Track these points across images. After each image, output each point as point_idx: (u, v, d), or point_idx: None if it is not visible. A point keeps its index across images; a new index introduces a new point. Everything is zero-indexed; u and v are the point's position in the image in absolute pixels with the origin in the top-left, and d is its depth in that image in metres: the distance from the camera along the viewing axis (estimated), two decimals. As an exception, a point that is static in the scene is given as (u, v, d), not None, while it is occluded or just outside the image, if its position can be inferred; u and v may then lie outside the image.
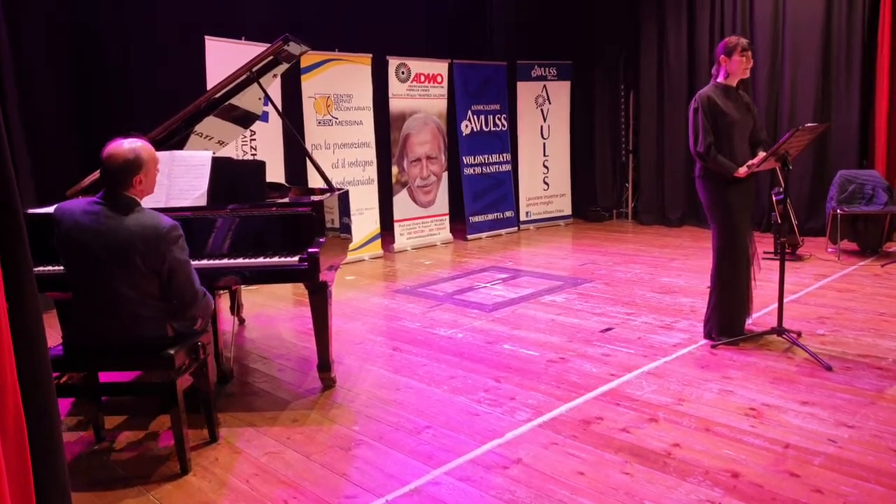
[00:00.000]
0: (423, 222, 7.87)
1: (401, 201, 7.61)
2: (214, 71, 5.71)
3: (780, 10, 7.59)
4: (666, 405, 3.19)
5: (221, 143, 4.49)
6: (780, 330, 3.91)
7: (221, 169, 3.51)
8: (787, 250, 6.22)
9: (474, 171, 8.36)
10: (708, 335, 4.08)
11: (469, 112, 8.27)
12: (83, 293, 2.66)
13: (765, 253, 6.62)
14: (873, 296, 5.00)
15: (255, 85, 3.92)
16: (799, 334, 4.02)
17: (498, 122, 8.62)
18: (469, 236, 8.22)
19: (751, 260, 4.02)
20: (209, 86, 5.65)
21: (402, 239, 7.65)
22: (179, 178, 3.45)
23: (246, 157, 6.20)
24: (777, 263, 4.01)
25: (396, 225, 7.59)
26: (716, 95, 3.89)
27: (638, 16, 8.89)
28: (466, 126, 8.26)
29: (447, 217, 8.13)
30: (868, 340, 4.00)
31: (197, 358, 2.74)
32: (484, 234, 8.38)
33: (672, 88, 8.55)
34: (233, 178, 3.56)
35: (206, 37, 5.86)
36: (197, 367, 2.78)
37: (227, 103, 4.01)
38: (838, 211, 6.32)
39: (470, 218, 8.27)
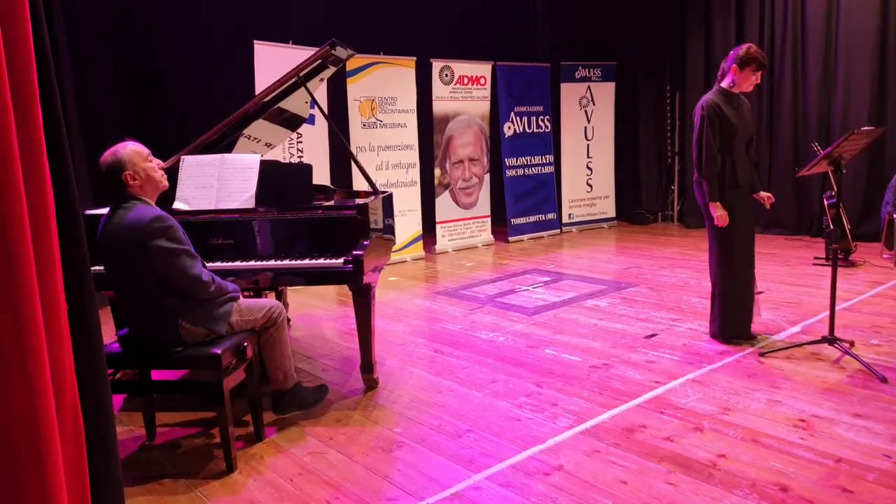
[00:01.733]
0: (465, 224, 7.88)
1: (443, 203, 7.64)
2: (263, 74, 5.84)
3: (833, 7, 7.35)
4: (711, 414, 3.13)
5: (269, 145, 4.59)
6: (831, 339, 3.79)
7: (269, 172, 3.59)
8: (839, 256, 6.04)
9: (517, 172, 8.34)
10: (714, 336, 4.19)
11: (512, 114, 8.25)
12: (115, 294, 2.81)
13: (816, 258, 6.44)
14: (932, 305, 4.81)
15: (303, 89, 3.99)
16: (852, 343, 3.89)
17: (541, 123, 8.57)
18: (510, 238, 8.19)
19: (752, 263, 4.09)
20: (258, 89, 5.78)
21: (443, 240, 7.68)
22: (229, 181, 3.54)
23: (293, 160, 6.32)
24: (829, 270, 3.89)
25: (438, 226, 7.63)
26: (721, 102, 3.88)
27: (684, 14, 8.72)
28: (509, 128, 8.24)
29: (489, 219, 8.13)
30: (926, 352, 3.86)
31: (244, 358, 2.81)
32: (525, 237, 8.35)
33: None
34: (280, 180, 3.63)
35: (255, 41, 5.99)
36: (244, 366, 2.84)
37: (275, 107, 4.09)
38: (895, 216, 6.09)
39: (511, 220, 8.25)
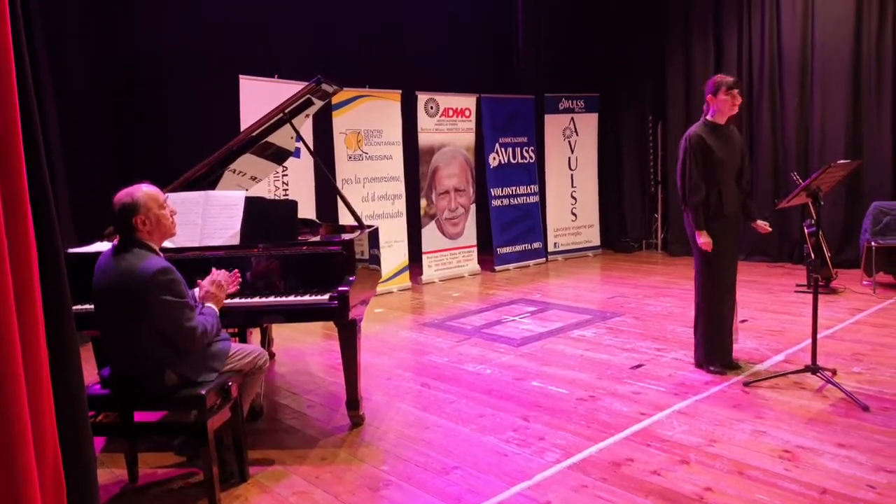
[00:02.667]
0: (452, 254, 7.91)
1: (429, 233, 7.68)
2: (248, 108, 5.88)
3: (808, 38, 7.57)
4: (697, 446, 3.14)
5: (255, 178, 4.60)
6: (814, 368, 3.83)
7: (254, 208, 3.60)
8: (820, 283, 6.12)
9: (502, 202, 8.40)
10: (698, 364, 4.24)
11: (497, 144, 8.35)
12: (102, 336, 2.77)
13: (797, 286, 6.52)
14: (912, 331, 4.87)
15: (289, 125, 4.02)
16: (834, 372, 3.93)
17: (525, 154, 8.67)
18: (497, 268, 8.23)
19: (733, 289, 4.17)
20: (243, 123, 5.82)
21: (430, 271, 7.69)
22: (214, 219, 3.55)
23: (278, 193, 6.34)
24: (811, 297, 3.94)
25: (425, 257, 7.65)
26: (704, 134, 3.98)
27: (664, 46, 8.93)
28: (494, 158, 8.33)
29: (475, 248, 8.16)
30: (907, 379, 3.90)
31: (228, 397, 2.79)
32: (512, 266, 8.39)
33: (698, 114, 8.51)
34: (265, 217, 3.64)
35: (240, 76, 6.05)
36: (228, 406, 2.82)
37: (261, 141, 4.12)
38: (873, 243, 6.20)
39: (498, 249, 8.30)
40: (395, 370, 4.51)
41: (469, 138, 8.07)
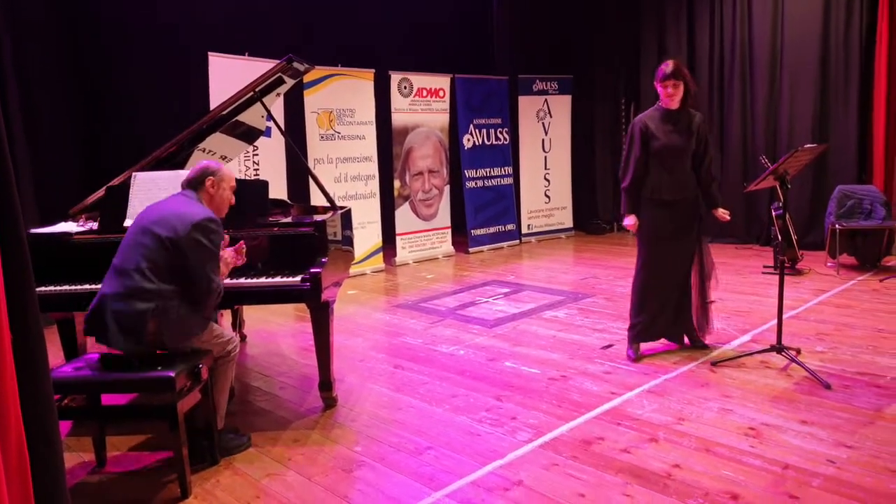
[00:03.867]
0: (425, 235, 7.90)
1: (403, 215, 7.65)
2: (218, 87, 5.77)
3: (778, 27, 7.65)
4: (666, 424, 3.20)
5: (225, 158, 4.53)
6: (779, 347, 3.92)
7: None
8: (786, 265, 6.25)
9: (476, 184, 8.39)
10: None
11: (471, 126, 8.32)
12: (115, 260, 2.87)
13: (765, 267, 6.65)
14: (872, 311, 5.01)
15: (259, 103, 3.95)
16: (798, 351, 4.02)
17: (500, 135, 8.66)
18: (471, 249, 8.24)
19: (709, 274, 4.15)
20: (213, 101, 5.71)
21: (403, 252, 7.68)
22: (183, 198, 3.47)
23: (249, 172, 6.25)
24: (777, 278, 4.02)
25: (398, 238, 7.62)
26: (652, 119, 3.97)
27: (638, 29, 8.95)
28: (468, 140, 8.30)
29: (449, 230, 8.16)
30: (866, 357, 4.01)
31: (198, 380, 2.76)
32: (486, 247, 8.41)
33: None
34: (236, 197, 3.57)
35: (210, 53, 5.92)
36: (199, 388, 2.79)
37: (231, 120, 4.05)
38: (837, 226, 6.34)
39: (472, 231, 8.30)
40: (368, 352, 4.51)
41: (443, 119, 8.03)
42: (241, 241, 3.14)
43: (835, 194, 6.64)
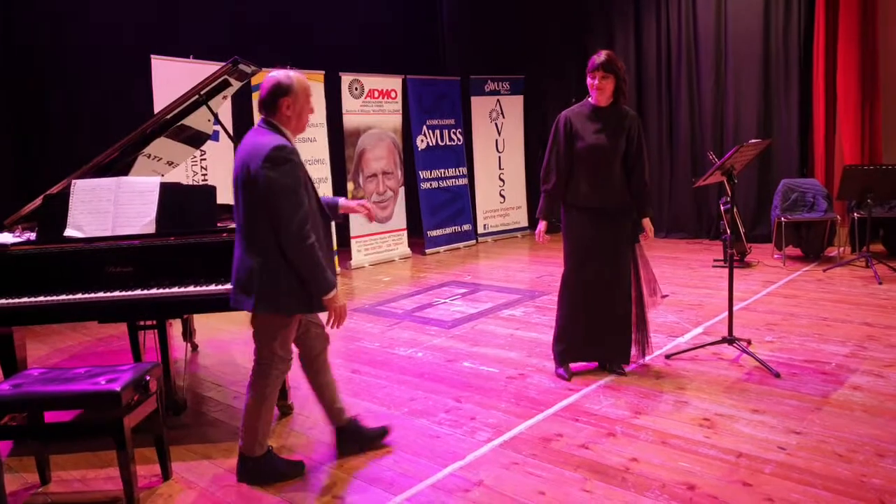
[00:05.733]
0: (381, 238, 7.85)
1: (357, 217, 7.56)
2: (162, 90, 5.62)
3: (721, 26, 7.87)
4: (623, 419, 3.24)
5: (171, 163, 4.41)
6: (730, 339, 4.00)
7: (170, 195, 3.45)
8: (735, 258, 6.41)
9: (431, 185, 8.38)
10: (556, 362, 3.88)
11: (424, 127, 8.30)
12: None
13: (715, 261, 6.81)
14: (817, 301, 5.17)
15: (205, 107, 3.86)
16: (749, 342, 4.12)
17: (453, 136, 8.66)
18: (427, 250, 8.22)
19: (648, 287, 3.79)
20: (157, 105, 5.55)
21: (359, 255, 7.61)
22: (127, 206, 3.37)
23: (196, 177, 6.10)
24: (727, 271, 4.11)
25: (353, 241, 7.55)
26: (577, 116, 3.61)
27: (587, 28, 9.08)
28: (422, 141, 8.28)
29: (405, 232, 8.12)
30: (813, 345, 4.14)
31: (147, 392, 2.66)
32: (442, 248, 8.40)
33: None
34: (182, 204, 3.48)
35: (152, 56, 5.75)
36: (147, 402, 2.69)
37: (177, 124, 3.94)
38: (782, 219, 6.54)
39: (428, 232, 8.28)
40: (324, 357, 4.44)
41: (396, 120, 7.99)
42: (364, 201, 3.04)
43: (779, 188, 6.85)
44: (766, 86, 7.64)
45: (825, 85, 7.11)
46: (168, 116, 3.81)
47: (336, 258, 7.17)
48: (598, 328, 3.72)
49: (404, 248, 8.11)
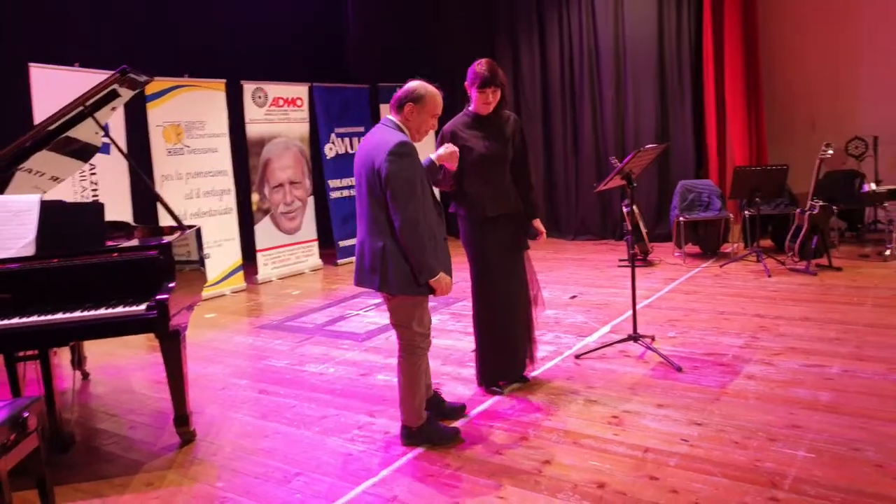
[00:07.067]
0: (290, 250, 7.64)
1: (263, 229, 7.35)
2: (43, 101, 5.23)
3: (619, 37, 8.21)
4: (536, 421, 3.26)
5: (56, 179, 4.10)
6: (635, 336, 4.13)
7: (52, 213, 3.20)
8: (638, 258, 6.66)
9: (341, 193, 8.24)
10: (479, 383, 3.76)
11: (332, 135, 8.16)
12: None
13: (620, 261, 7.05)
14: (714, 296, 5.44)
15: (91, 119, 3.61)
16: (653, 338, 4.26)
17: (362, 144, 8.55)
18: (339, 261, 8.07)
19: (534, 300, 3.75)
20: (37, 117, 5.17)
21: (266, 269, 7.37)
22: (2, 227, 3.10)
23: (86, 193, 5.73)
24: (631, 271, 4.23)
25: (260, 254, 7.31)
26: (461, 126, 3.52)
27: (493, 39, 9.20)
28: (331, 149, 8.13)
29: (315, 243, 7.95)
30: (712, 339, 4.34)
31: (25, 431, 2.44)
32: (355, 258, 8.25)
33: (528, 108, 8.94)
34: (66, 222, 3.24)
35: (30, 64, 5.36)
36: (26, 441, 2.46)
37: (62, 136, 3.67)
38: (681, 218, 6.85)
39: (339, 242, 8.13)
40: (229, 379, 4.24)
41: (302, 129, 7.82)
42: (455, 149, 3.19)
43: (678, 189, 7.18)
44: (663, 93, 8.00)
45: (715, 91, 7.52)
46: (50, 128, 3.54)
47: (241, 272, 6.91)
48: (517, 340, 3.69)
49: (315, 260, 7.93)
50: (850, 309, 4.78)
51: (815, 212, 5.89)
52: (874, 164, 7.20)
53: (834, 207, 6.19)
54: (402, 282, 2.87)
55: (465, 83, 3.51)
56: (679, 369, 3.81)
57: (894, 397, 3.26)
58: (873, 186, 6.36)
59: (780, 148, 7.62)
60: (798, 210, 6.13)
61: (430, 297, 3.00)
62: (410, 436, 3.10)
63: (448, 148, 3.17)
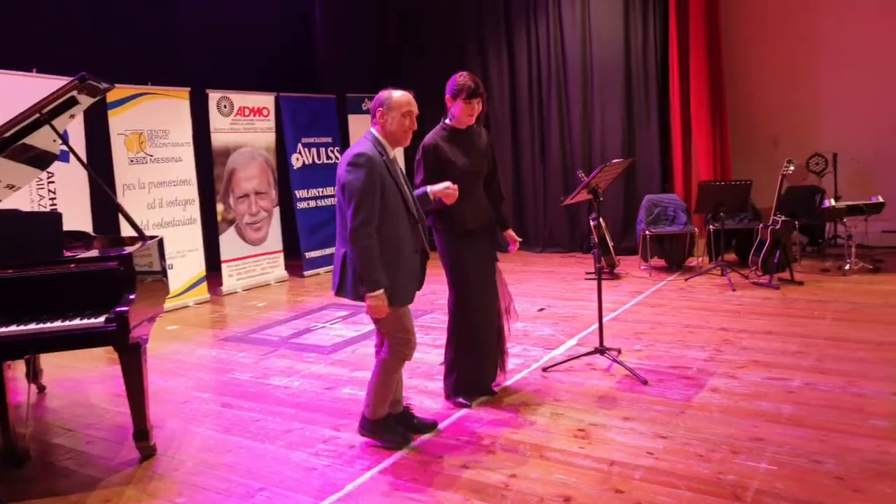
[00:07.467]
0: (255, 261, 7.54)
1: (228, 240, 7.24)
2: None
3: (586, 50, 8.30)
4: (502, 434, 3.25)
5: (11, 187, 3.98)
6: (602, 349, 4.16)
7: (7, 223, 3.12)
8: (605, 271, 6.72)
9: (308, 204, 8.17)
10: (447, 396, 3.73)
11: (299, 145, 8.10)
12: None
13: (587, 274, 7.11)
14: (679, 309, 5.51)
15: (49, 127, 3.51)
16: (619, 351, 4.29)
17: (331, 154, 8.52)
18: (306, 273, 7.99)
19: (503, 313, 3.78)
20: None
21: (231, 280, 7.25)
22: (-49, 236, 2.99)
23: (43, 202, 5.57)
24: (597, 284, 4.26)
25: (224, 266, 7.19)
26: (443, 141, 3.50)
27: (462, 51, 9.26)
28: (297, 159, 8.07)
29: (281, 254, 7.86)
30: (677, 352, 4.39)
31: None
32: (322, 270, 8.19)
33: (496, 121, 9.00)
34: (22, 232, 3.16)
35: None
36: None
37: (18, 143, 3.56)
38: (647, 232, 6.94)
39: (306, 254, 8.06)
40: (192, 392, 4.15)
41: (268, 138, 7.75)
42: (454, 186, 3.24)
43: (644, 203, 7.29)
44: (629, 108, 8.13)
45: (680, 107, 7.68)
46: (6, 135, 3.43)
47: (205, 284, 6.79)
48: (492, 351, 3.71)
49: (280, 271, 7.83)
50: (812, 322, 4.89)
51: (778, 227, 6.03)
52: (834, 181, 7.41)
53: (795, 222, 6.34)
54: (355, 285, 2.96)
55: (447, 96, 3.50)
56: (645, 382, 3.84)
57: (854, 410, 3.32)
58: (833, 202, 6.54)
59: (743, 163, 7.80)
60: (761, 225, 6.26)
61: (364, 312, 3.04)
62: (366, 426, 3.20)
63: (448, 188, 3.24)
